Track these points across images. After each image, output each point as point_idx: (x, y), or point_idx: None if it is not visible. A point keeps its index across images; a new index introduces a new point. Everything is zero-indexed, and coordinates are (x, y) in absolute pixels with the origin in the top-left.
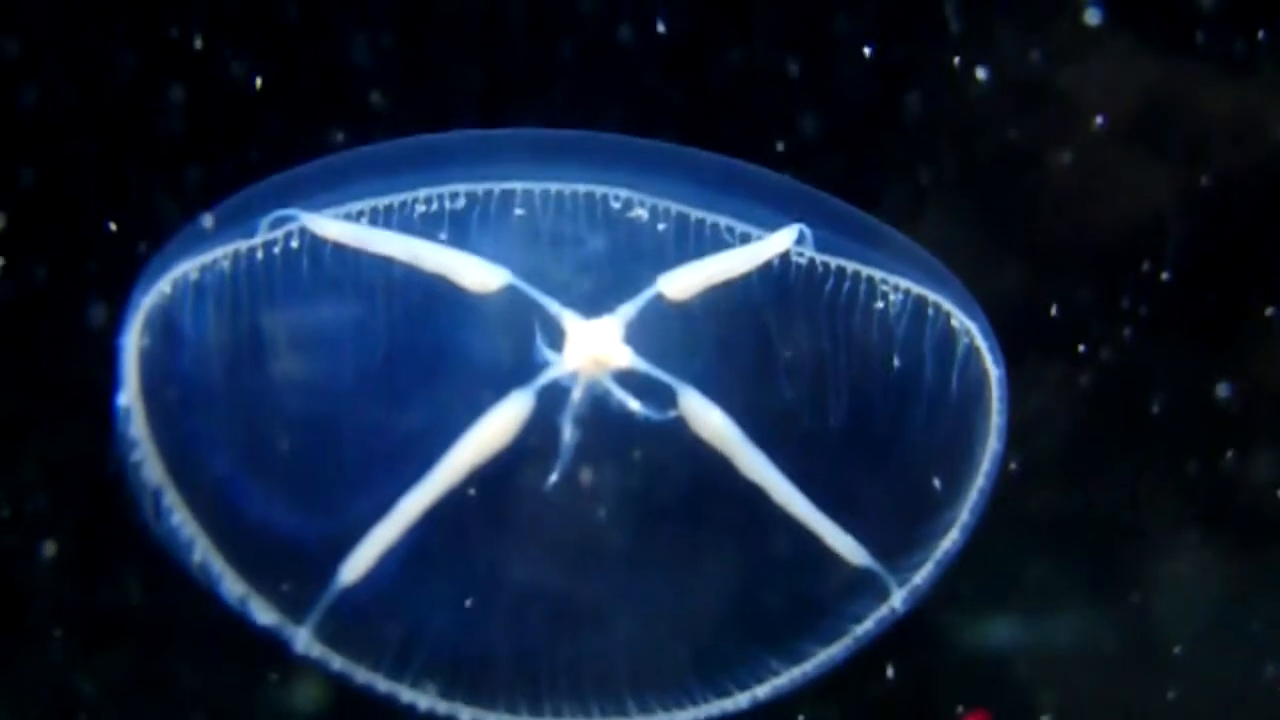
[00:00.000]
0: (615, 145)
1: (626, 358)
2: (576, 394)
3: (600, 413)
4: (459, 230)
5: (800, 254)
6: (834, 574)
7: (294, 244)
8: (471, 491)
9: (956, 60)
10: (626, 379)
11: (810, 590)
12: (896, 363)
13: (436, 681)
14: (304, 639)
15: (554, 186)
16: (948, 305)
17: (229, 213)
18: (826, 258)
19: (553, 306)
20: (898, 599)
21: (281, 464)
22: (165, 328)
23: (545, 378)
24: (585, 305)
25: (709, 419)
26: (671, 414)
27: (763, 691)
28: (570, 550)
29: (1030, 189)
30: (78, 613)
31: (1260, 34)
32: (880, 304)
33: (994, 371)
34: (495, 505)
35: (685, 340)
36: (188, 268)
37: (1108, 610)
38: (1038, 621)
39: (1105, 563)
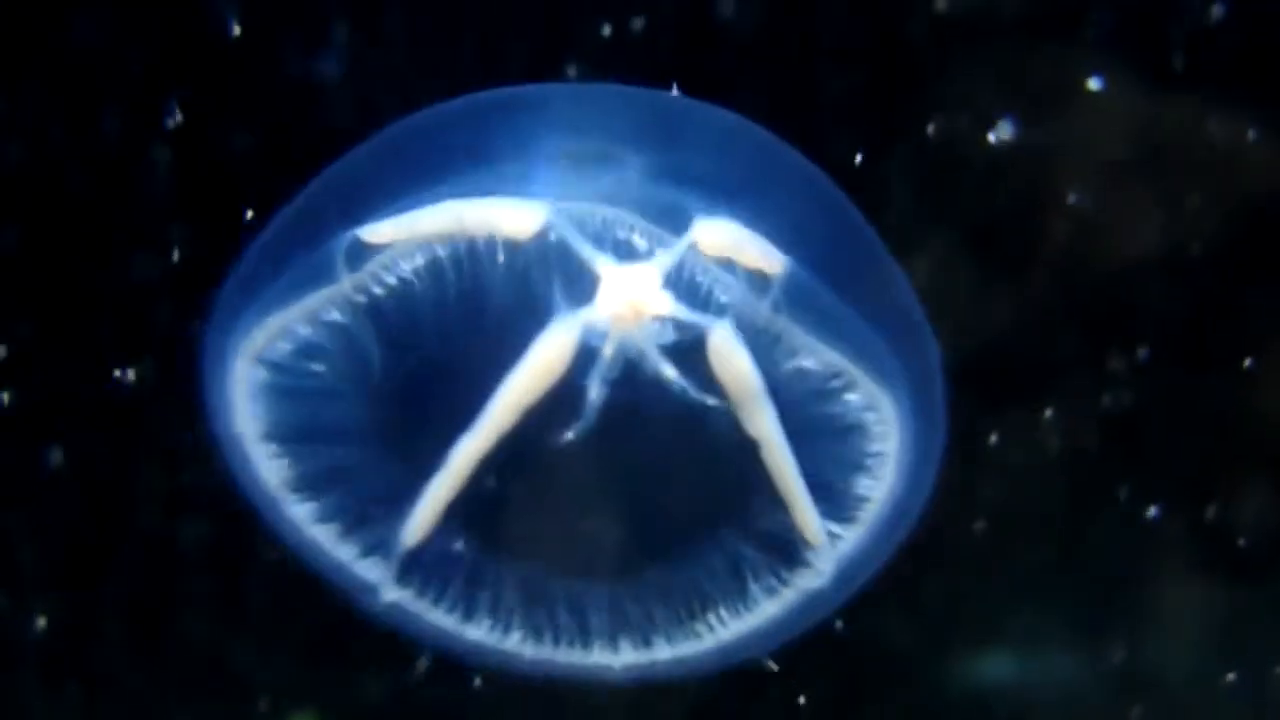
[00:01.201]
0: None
1: (666, 305)
2: (608, 350)
3: (630, 367)
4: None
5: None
6: (784, 544)
7: (384, 273)
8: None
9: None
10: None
11: (753, 548)
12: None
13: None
14: (384, 602)
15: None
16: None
17: (280, 244)
18: (789, 323)
19: (585, 249)
20: (828, 576)
21: (367, 443)
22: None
23: (586, 312)
24: (619, 252)
25: (735, 359)
26: (711, 400)
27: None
28: (584, 491)
29: (1022, 233)
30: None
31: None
32: (833, 387)
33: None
34: (526, 454)
35: (713, 292)
36: (287, 318)
37: (1096, 650)
38: (1026, 661)
39: (1094, 602)
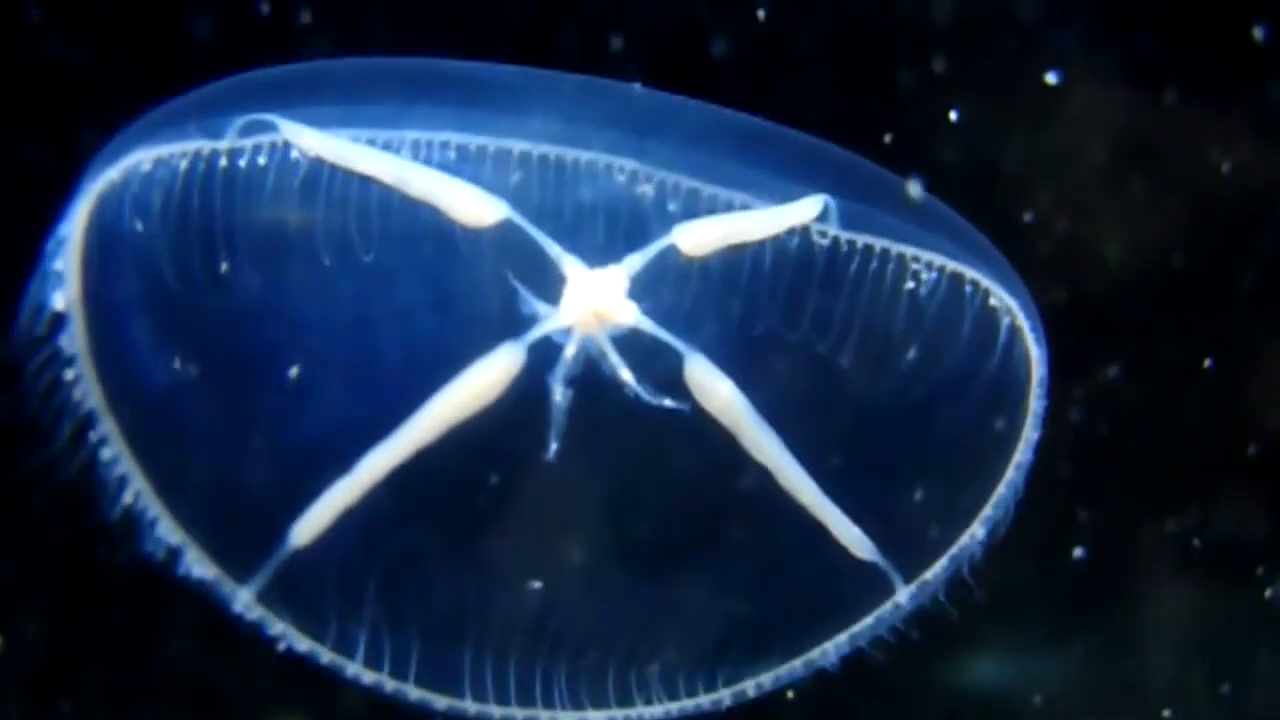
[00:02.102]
0: (631, 99)
1: (631, 314)
2: (570, 351)
3: (595, 375)
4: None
5: (823, 232)
6: (837, 565)
7: (261, 160)
8: (443, 453)
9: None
10: (629, 342)
11: (809, 580)
12: (926, 347)
13: (390, 660)
14: (245, 600)
15: (553, 152)
16: (986, 282)
17: (200, 104)
18: (852, 235)
19: (553, 249)
20: (904, 595)
21: (231, 397)
22: (113, 222)
23: (539, 331)
24: (590, 252)
25: (717, 390)
26: (668, 402)
27: (758, 685)
28: (548, 526)
29: (1004, 238)
30: None
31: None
32: (911, 284)
33: (1035, 352)
34: (469, 471)
35: (696, 304)
36: (142, 156)
37: (1089, 654)
38: (1008, 670)
39: (1077, 610)
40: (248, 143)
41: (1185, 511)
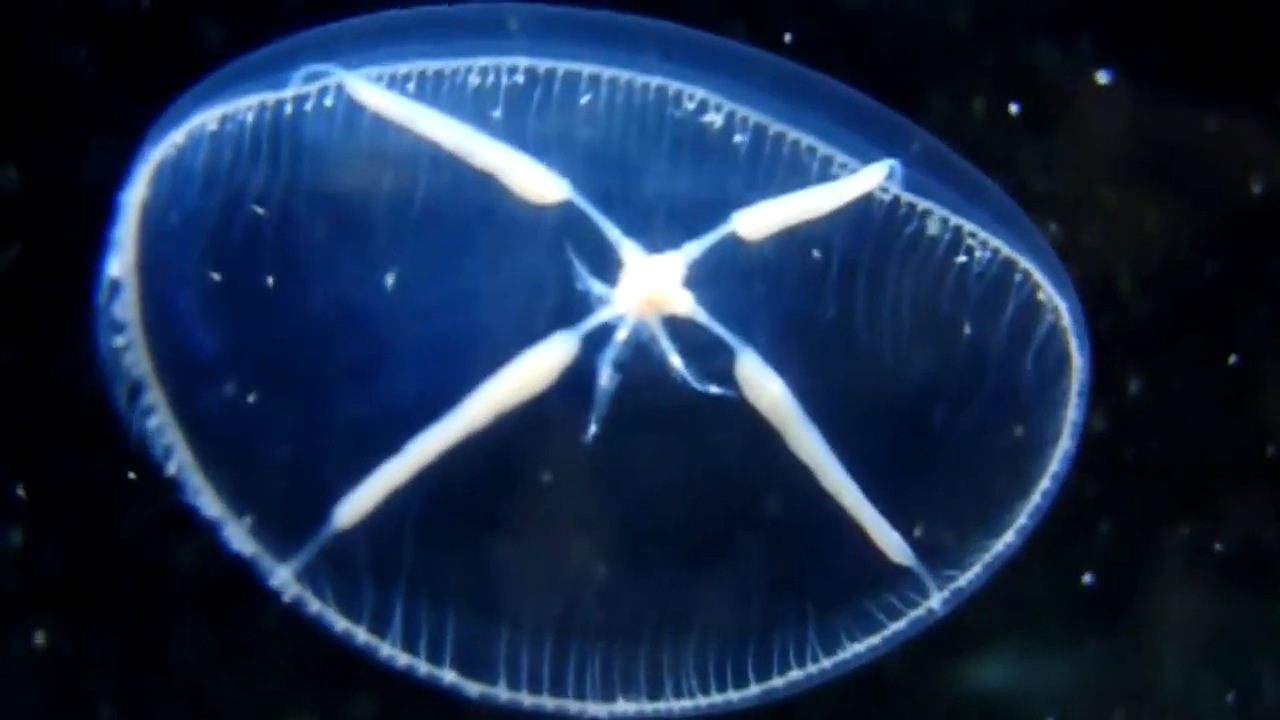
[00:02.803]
0: (699, 42)
1: (686, 303)
2: (621, 335)
3: (645, 361)
4: (515, 115)
5: (885, 189)
6: (872, 568)
7: (328, 102)
8: (488, 433)
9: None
10: (682, 332)
11: (843, 581)
12: (968, 329)
13: (426, 643)
14: (284, 577)
15: (624, 75)
16: (1038, 275)
17: (262, 63)
18: (914, 198)
19: (613, 233)
20: (937, 600)
21: (280, 372)
22: (174, 187)
23: (594, 320)
24: (648, 236)
25: (767, 388)
26: (714, 389)
27: (789, 683)
28: (587, 512)
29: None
30: None
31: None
32: (964, 258)
33: (1078, 359)
34: (512, 454)
35: (752, 291)
36: (206, 117)
37: (1100, 653)
38: (1016, 672)
39: (1100, 612)
40: (312, 87)
41: (1199, 518)
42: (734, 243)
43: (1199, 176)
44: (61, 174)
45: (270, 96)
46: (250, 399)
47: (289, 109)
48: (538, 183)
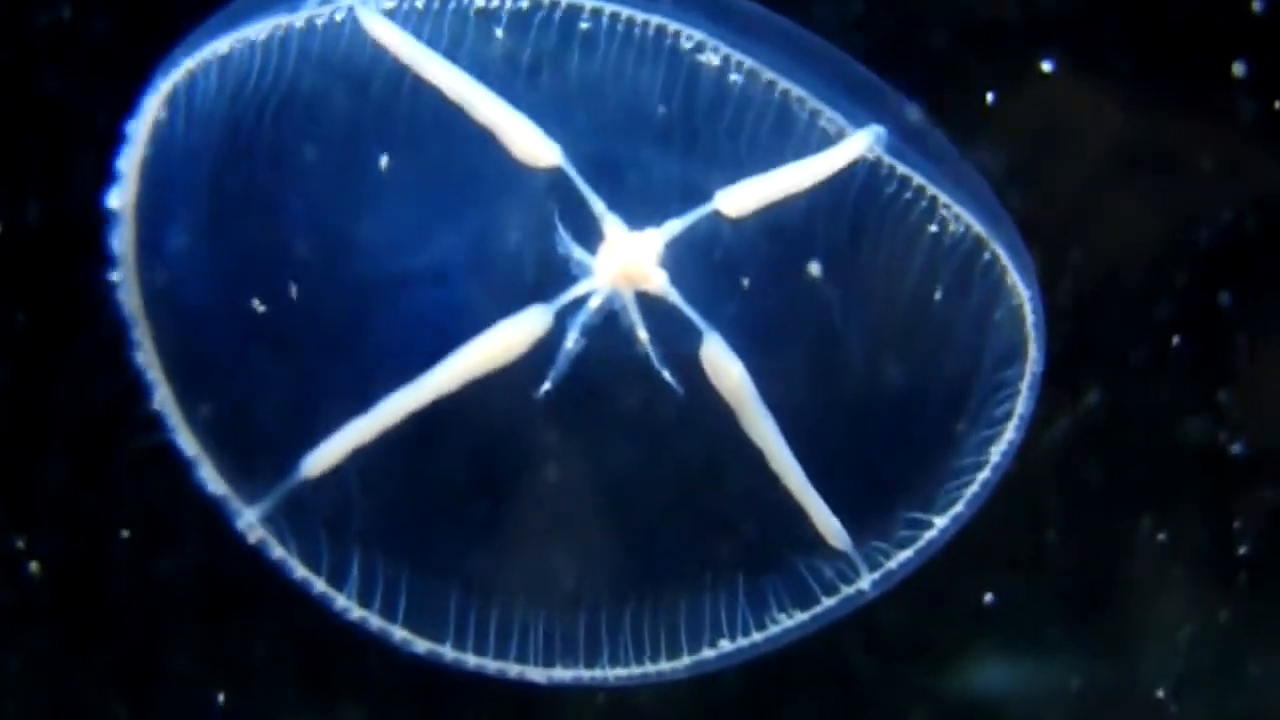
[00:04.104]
0: None
1: (660, 281)
2: (594, 303)
3: (611, 330)
4: (514, 34)
5: (870, 151)
6: (809, 549)
7: (338, 20)
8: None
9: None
10: (653, 305)
11: (779, 559)
12: (931, 303)
13: (381, 601)
14: (249, 520)
15: (625, 11)
16: (1006, 259)
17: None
18: (894, 162)
19: (597, 205)
20: (867, 582)
21: (264, 314)
22: (177, 121)
23: (571, 293)
24: (631, 208)
25: (729, 372)
26: (667, 375)
27: (718, 653)
28: (539, 476)
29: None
30: None
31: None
32: (934, 228)
33: (1033, 351)
34: (476, 413)
35: (727, 272)
36: (219, 43)
37: (1095, 657)
38: (1013, 673)
39: (1094, 608)
40: (324, 9)
41: (1179, 517)
42: (716, 221)
43: (1178, 176)
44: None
45: (282, 19)
46: (232, 342)
47: (299, 24)
48: (532, 144)
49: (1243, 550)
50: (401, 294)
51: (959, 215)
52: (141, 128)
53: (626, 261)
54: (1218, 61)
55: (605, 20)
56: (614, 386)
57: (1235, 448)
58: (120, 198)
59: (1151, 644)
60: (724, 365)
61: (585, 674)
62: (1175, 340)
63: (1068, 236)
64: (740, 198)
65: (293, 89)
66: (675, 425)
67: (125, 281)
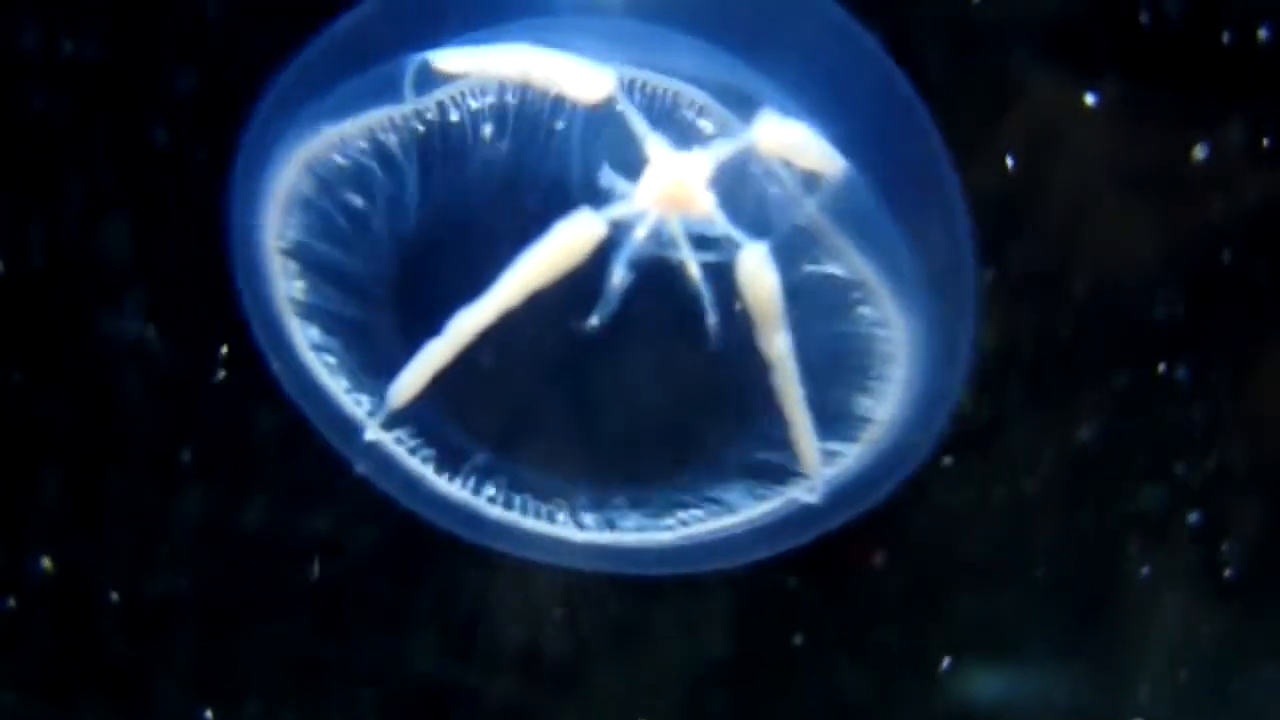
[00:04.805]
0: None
1: (708, 203)
2: (640, 233)
3: (655, 261)
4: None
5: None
6: (777, 457)
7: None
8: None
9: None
10: (699, 233)
11: (744, 456)
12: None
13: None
14: (360, 445)
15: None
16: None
17: (337, 56)
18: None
19: (640, 127)
20: (819, 496)
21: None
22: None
23: (617, 207)
24: (675, 132)
25: (763, 280)
26: (710, 318)
27: (678, 536)
28: (573, 372)
29: (1015, 246)
30: None
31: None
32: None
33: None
34: (526, 337)
35: (762, 204)
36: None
37: (1085, 673)
38: (1010, 679)
39: (1088, 617)
40: (426, 103)
41: (1172, 532)
42: (754, 153)
43: (1177, 195)
44: None
45: (398, 112)
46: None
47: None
48: (589, 81)
49: (1235, 565)
50: (456, 227)
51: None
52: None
53: (674, 182)
54: (1215, 74)
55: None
56: (655, 304)
57: (1228, 462)
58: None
59: (1143, 659)
60: (763, 274)
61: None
62: (1169, 355)
63: (1062, 250)
64: (779, 133)
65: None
66: (698, 333)
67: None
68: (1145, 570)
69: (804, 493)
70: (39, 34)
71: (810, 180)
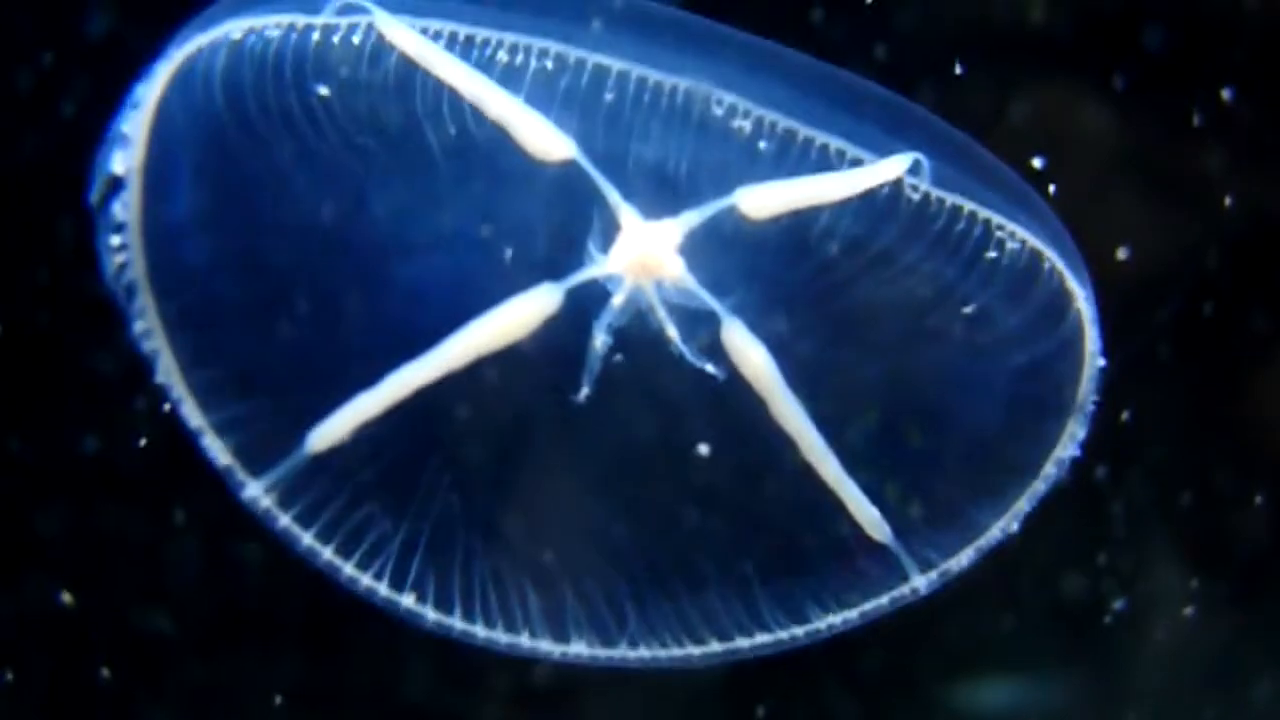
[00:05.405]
0: (731, 40)
1: (679, 270)
2: (618, 300)
3: (638, 328)
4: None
5: (914, 186)
6: (851, 543)
7: (356, 38)
8: (474, 386)
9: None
10: (677, 300)
11: (818, 554)
12: (987, 320)
13: (388, 571)
14: (255, 492)
15: (654, 76)
16: (1063, 267)
17: None
18: (943, 193)
19: (613, 196)
20: (920, 582)
21: (271, 285)
22: (191, 91)
23: (583, 275)
24: (650, 204)
25: (750, 356)
26: (709, 367)
27: (754, 646)
28: (558, 467)
29: None
30: None
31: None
32: (994, 254)
33: (1092, 350)
34: (495, 407)
35: (748, 265)
36: (233, 27)
37: (1086, 682)
38: (1014, 685)
39: (1092, 624)
40: (343, 21)
41: (1174, 536)
42: (736, 218)
43: (1193, 191)
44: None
45: (301, 19)
46: (237, 314)
47: (316, 35)
48: (546, 139)
49: (1240, 570)
50: (410, 277)
51: (1014, 232)
52: (151, 94)
53: (644, 250)
54: (1218, 76)
55: (632, 86)
56: (640, 379)
57: (1233, 464)
58: (126, 161)
59: (1136, 677)
60: (746, 349)
61: (602, 653)
62: (1172, 354)
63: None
64: (764, 198)
65: (310, 82)
66: (702, 415)
67: (129, 247)
68: (1138, 587)
69: (912, 585)
70: None
71: (898, 184)
